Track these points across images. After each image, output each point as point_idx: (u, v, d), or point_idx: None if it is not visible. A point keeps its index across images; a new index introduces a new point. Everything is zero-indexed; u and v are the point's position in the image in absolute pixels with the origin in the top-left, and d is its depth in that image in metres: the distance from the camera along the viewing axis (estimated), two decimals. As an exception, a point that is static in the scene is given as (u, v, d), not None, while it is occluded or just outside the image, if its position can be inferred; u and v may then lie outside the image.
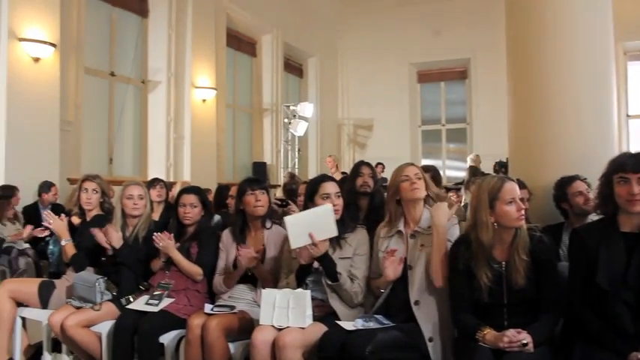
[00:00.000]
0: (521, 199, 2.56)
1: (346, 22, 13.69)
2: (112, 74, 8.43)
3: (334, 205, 3.04)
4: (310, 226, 2.88)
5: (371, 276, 3.03)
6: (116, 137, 8.37)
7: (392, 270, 2.82)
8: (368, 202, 3.85)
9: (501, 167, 8.92)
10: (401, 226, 2.96)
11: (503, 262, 2.56)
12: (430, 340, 2.73)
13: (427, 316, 2.77)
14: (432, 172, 4.17)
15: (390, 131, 13.22)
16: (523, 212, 2.53)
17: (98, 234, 3.57)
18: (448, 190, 9.04)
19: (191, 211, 3.54)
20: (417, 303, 2.78)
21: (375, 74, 13.26)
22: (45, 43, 6.68)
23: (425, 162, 12.86)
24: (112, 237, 3.53)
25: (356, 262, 3.04)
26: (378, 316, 2.85)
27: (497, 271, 2.55)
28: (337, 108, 14.07)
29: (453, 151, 13.80)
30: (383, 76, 13.21)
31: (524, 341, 2.32)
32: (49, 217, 3.81)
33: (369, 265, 3.06)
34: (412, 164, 3.08)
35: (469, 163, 10.33)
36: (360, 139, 14.08)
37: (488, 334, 2.42)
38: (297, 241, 2.92)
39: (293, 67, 13.23)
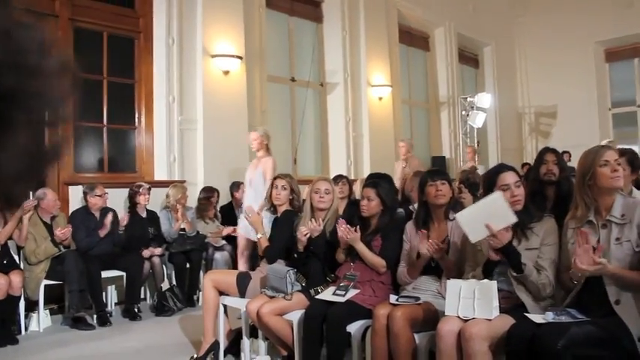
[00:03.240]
0: None
1: (522, 6, 13.02)
2: (293, 80, 8.88)
3: (515, 196, 2.92)
4: (485, 217, 2.79)
5: (560, 269, 2.86)
6: (299, 139, 8.81)
7: (586, 260, 2.50)
8: (555, 190, 3.64)
9: None
10: (591, 216, 2.74)
11: None
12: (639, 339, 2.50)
13: (632, 315, 2.53)
14: (629, 156, 3.81)
15: (576, 117, 12.29)
16: None
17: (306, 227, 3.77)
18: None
19: (367, 204, 3.63)
20: (617, 302, 2.56)
21: (557, 57, 12.41)
22: (233, 56, 7.24)
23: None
24: (313, 228, 3.73)
25: (544, 252, 2.88)
26: (571, 310, 2.67)
27: None
28: (517, 96, 13.43)
29: (650, 135, 12.47)
30: (566, 58, 12.32)
31: None
32: (248, 211, 4.15)
33: (558, 255, 2.89)
34: (610, 147, 2.83)
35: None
36: (542, 128, 13.30)
37: None
38: (475, 235, 2.86)
39: (468, 58, 12.89)
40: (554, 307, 2.74)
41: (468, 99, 11.57)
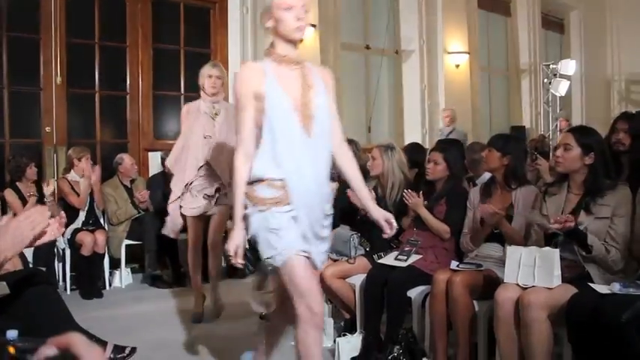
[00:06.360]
0: None
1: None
2: (367, 47, 8.81)
3: (556, 157, 2.92)
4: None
5: (633, 239, 2.75)
6: (373, 107, 8.76)
7: None
8: (629, 158, 3.47)
9: None
10: None
11: None
12: None
13: None
14: None
15: (673, 85, 11.55)
16: None
17: (352, 195, 3.84)
18: None
19: (433, 167, 3.61)
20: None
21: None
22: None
23: None
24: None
25: (616, 224, 2.77)
26: (641, 282, 2.58)
27: None
28: (605, 63, 12.68)
29: None
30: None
31: None
32: None
33: (630, 227, 2.77)
34: None
35: None
36: (634, 97, 12.54)
37: None
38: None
39: (552, 23, 12.29)
40: (623, 279, 2.65)
41: (551, 66, 11.08)
